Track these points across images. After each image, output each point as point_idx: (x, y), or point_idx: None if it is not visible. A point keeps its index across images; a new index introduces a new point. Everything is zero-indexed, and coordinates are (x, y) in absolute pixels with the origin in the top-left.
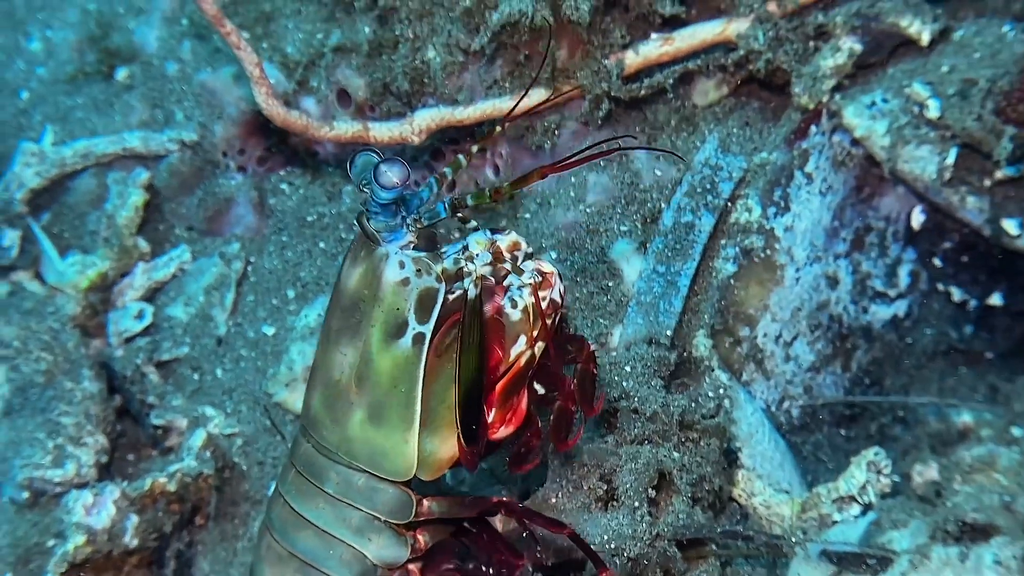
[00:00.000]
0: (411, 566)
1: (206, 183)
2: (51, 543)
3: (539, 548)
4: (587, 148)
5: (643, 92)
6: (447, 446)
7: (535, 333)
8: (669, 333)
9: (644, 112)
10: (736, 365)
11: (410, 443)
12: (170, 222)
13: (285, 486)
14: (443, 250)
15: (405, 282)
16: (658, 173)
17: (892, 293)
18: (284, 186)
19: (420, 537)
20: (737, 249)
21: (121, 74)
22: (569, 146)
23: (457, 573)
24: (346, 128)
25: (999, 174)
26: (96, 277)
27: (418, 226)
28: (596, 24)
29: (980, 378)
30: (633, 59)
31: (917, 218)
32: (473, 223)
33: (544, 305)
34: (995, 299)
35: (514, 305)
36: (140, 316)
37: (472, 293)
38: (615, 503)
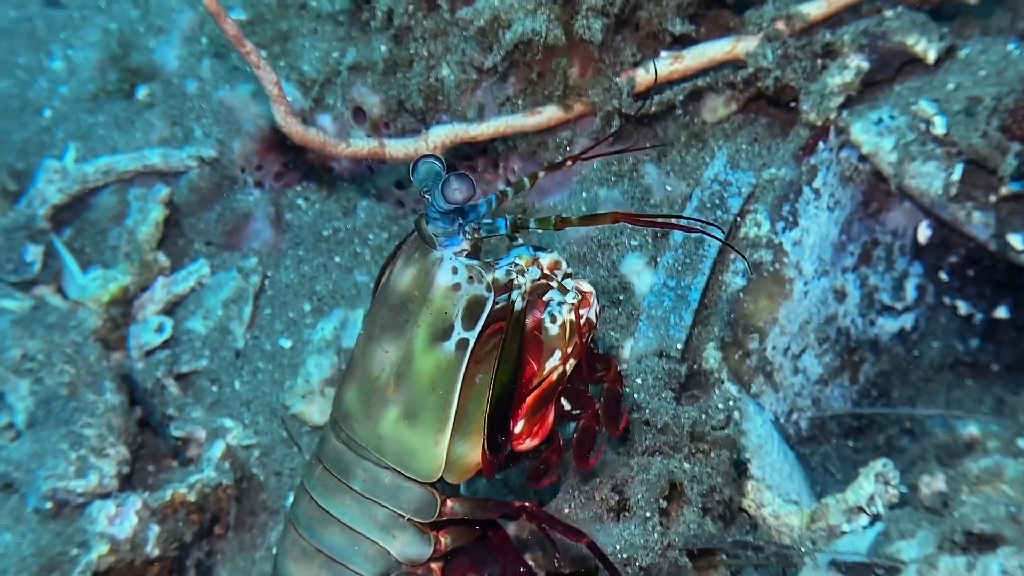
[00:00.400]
0: (433, 565)
1: (224, 198)
2: (75, 552)
3: (557, 555)
4: (673, 216)
5: (653, 109)
6: (477, 451)
7: (569, 349)
8: (680, 346)
9: (654, 128)
10: (745, 377)
11: (440, 445)
12: (189, 237)
13: (311, 482)
14: (494, 261)
15: (456, 287)
16: (668, 188)
17: (899, 306)
18: (300, 201)
19: (443, 538)
20: (746, 263)
21: (142, 92)
22: (583, 162)
23: (476, 571)
24: (362, 145)
25: (1004, 190)
26: (117, 291)
27: (475, 235)
28: (608, 43)
29: (986, 390)
30: (643, 77)
31: (923, 233)
32: (519, 239)
33: (580, 323)
34: (1001, 312)
35: (553, 320)
36: (160, 329)
37: (519, 305)
38: (627, 513)
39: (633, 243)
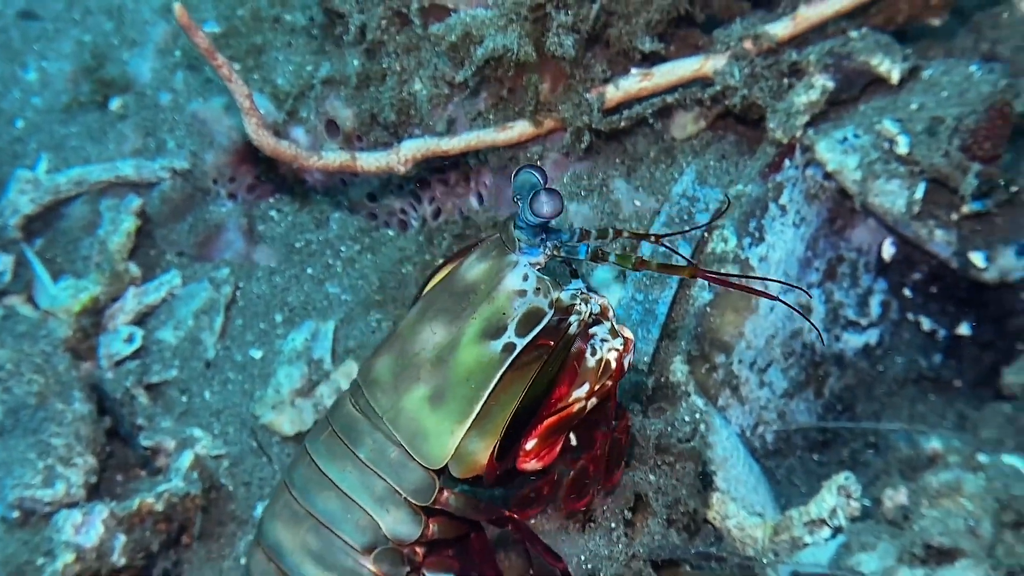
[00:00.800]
0: (417, 547)
1: (197, 210)
2: (40, 561)
3: (532, 570)
4: (752, 277)
5: (623, 124)
6: (487, 453)
7: (597, 387)
8: (647, 359)
9: (624, 144)
10: (712, 391)
11: (455, 436)
12: (161, 248)
13: (315, 445)
14: (563, 283)
15: (522, 293)
16: (637, 204)
17: (864, 322)
18: (273, 213)
19: (432, 525)
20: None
21: (115, 104)
22: (551, 176)
23: (456, 563)
24: (334, 158)
25: (965, 209)
26: (88, 301)
27: (554, 252)
28: (579, 59)
29: (949, 405)
30: (613, 93)
31: (888, 250)
32: (580, 282)
33: (614, 366)
34: (963, 329)
35: (593, 353)
36: (130, 339)
37: (574, 329)
38: (592, 524)
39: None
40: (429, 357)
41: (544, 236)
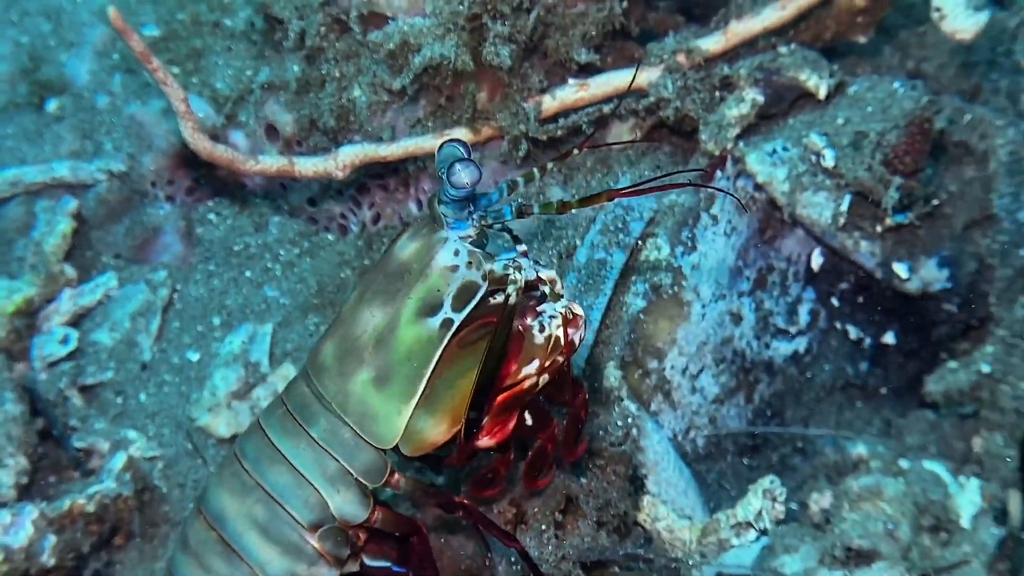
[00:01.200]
0: (360, 532)
1: (134, 212)
2: None
3: (489, 554)
4: (658, 177)
5: (560, 133)
6: (437, 430)
7: (547, 363)
8: (581, 365)
9: (560, 153)
10: (644, 396)
11: (403, 415)
12: (97, 250)
13: (269, 420)
14: (496, 254)
15: (454, 268)
16: (574, 211)
17: (792, 330)
18: (212, 216)
19: (377, 513)
20: (646, 285)
21: (52, 105)
22: (489, 183)
23: (394, 552)
24: (271, 163)
25: (888, 221)
26: (22, 302)
27: (483, 223)
28: (516, 69)
29: (875, 412)
30: (550, 103)
31: (816, 260)
32: (523, 247)
33: (564, 341)
34: (888, 338)
35: (541, 329)
36: (65, 341)
37: (513, 299)
38: (523, 526)
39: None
40: (370, 340)
41: (471, 208)
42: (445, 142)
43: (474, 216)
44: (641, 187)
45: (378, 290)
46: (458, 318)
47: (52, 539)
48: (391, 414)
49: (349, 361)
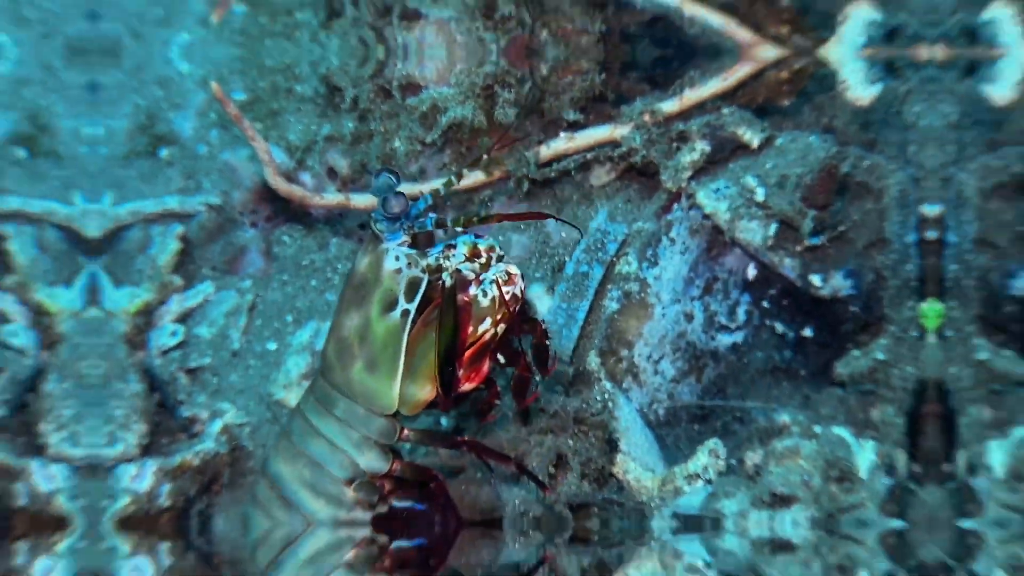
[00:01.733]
0: (386, 482)
1: (226, 235)
2: (104, 503)
3: (491, 477)
4: (526, 213)
5: (553, 175)
6: (424, 392)
7: (499, 316)
8: (569, 353)
9: (554, 190)
10: (618, 376)
11: (394, 388)
12: (199, 264)
13: (306, 406)
14: (428, 251)
15: (398, 271)
16: (563, 235)
17: (733, 326)
18: (286, 238)
19: (397, 464)
20: (620, 292)
21: (163, 153)
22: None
23: (416, 494)
24: (332, 198)
25: (806, 243)
26: (141, 305)
27: (412, 231)
28: (520, 126)
29: (796, 390)
30: (546, 151)
31: (751, 272)
32: (455, 233)
33: (508, 297)
34: (807, 332)
35: (484, 295)
36: (174, 334)
37: (448, 282)
38: (524, 478)
39: (537, 275)
40: (355, 338)
41: (402, 220)
42: (380, 171)
43: (404, 226)
44: (523, 215)
45: (351, 300)
46: (412, 307)
47: (167, 486)
48: (385, 390)
49: (345, 357)
